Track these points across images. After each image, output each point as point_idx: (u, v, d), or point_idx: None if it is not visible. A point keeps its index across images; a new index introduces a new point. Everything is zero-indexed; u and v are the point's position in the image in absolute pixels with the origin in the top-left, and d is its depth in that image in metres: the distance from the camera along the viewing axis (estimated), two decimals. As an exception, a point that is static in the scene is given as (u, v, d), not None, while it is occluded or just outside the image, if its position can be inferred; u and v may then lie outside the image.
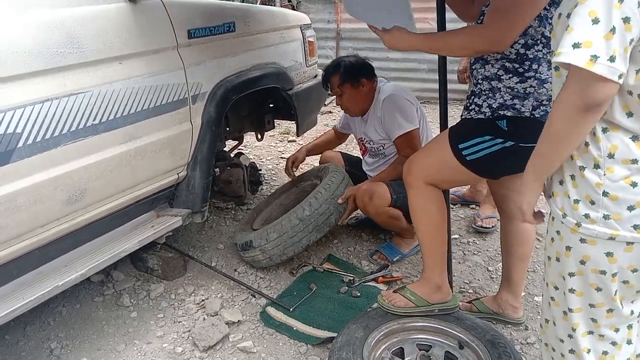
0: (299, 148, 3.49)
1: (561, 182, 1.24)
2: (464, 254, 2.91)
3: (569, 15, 1.08)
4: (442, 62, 2.35)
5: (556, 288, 1.31)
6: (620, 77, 1.02)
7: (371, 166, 3.06)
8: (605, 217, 1.14)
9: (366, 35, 6.87)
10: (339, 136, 3.37)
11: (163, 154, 2.24)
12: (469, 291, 2.56)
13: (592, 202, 1.16)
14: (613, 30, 0.99)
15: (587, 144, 1.16)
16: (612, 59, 1.00)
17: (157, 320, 2.34)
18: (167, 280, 2.60)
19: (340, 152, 3.34)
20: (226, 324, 2.24)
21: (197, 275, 2.68)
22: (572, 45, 1.02)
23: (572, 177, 1.20)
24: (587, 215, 1.17)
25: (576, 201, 1.18)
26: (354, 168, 3.14)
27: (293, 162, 3.23)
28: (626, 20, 0.98)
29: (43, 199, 1.78)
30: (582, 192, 1.18)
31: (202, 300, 2.46)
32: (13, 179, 1.67)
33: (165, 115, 2.20)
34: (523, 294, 2.31)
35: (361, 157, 3.21)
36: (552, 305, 1.33)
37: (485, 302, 2.28)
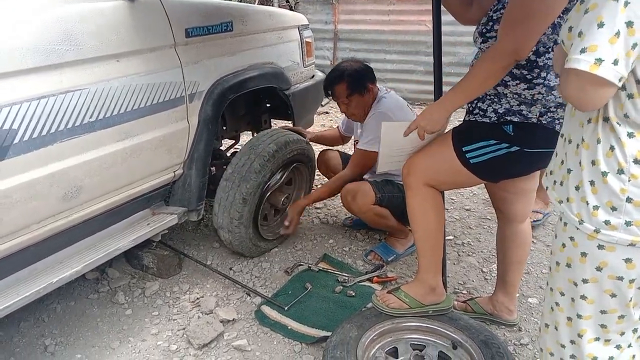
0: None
1: (577, 188, 1.20)
2: (459, 255, 2.92)
3: (570, 29, 1.10)
4: (437, 63, 2.35)
5: (562, 294, 1.30)
6: (620, 80, 1.03)
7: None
8: (627, 223, 1.13)
9: (363, 36, 6.90)
10: (342, 137, 3.39)
11: (159, 152, 2.24)
12: (463, 292, 2.57)
13: (614, 209, 1.13)
14: (617, 34, 1.00)
15: (612, 148, 1.13)
16: (615, 62, 1.01)
17: (151, 317, 2.34)
18: (162, 278, 2.60)
19: (339, 151, 3.35)
20: (221, 322, 2.24)
21: (192, 273, 2.68)
22: (580, 51, 1.03)
23: (592, 182, 1.17)
24: (607, 222, 1.15)
25: (595, 207, 1.16)
26: None
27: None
28: (629, 24, 0.99)
29: (39, 196, 1.78)
30: (602, 198, 1.15)
31: (197, 298, 2.46)
32: (9, 175, 1.67)
33: (162, 113, 2.20)
34: (517, 295, 2.32)
35: None
36: (556, 310, 1.32)
37: (480, 303, 2.29)
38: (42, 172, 1.77)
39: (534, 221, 3.14)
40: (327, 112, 6.18)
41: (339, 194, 2.87)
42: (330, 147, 3.40)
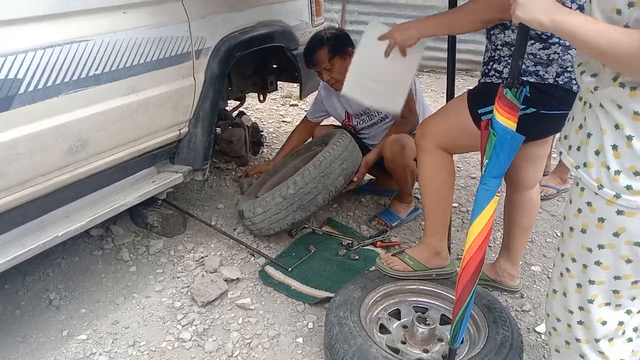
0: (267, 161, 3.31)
1: (597, 153, 1.17)
2: (463, 222, 2.92)
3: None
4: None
5: (574, 260, 1.28)
6: None
7: (370, 133, 3.02)
8: None
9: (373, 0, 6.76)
10: (311, 127, 3.25)
11: (165, 108, 2.21)
12: (467, 258, 2.57)
13: (637, 173, 1.10)
14: None
15: (637, 113, 1.09)
16: None
17: (156, 275, 2.35)
18: (166, 237, 2.60)
19: (333, 124, 3.27)
20: (225, 280, 2.25)
21: (196, 233, 2.68)
22: None
23: (615, 147, 1.13)
24: (629, 187, 1.12)
25: (617, 172, 1.13)
26: None
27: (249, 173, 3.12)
28: None
29: (44, 148, 1.76)
30: (625, 162, 1.12)
31: (202, 257, 2.47)
32: (14, 125, 1.65)
33: (169, 68, 2.16)
34: (520, 263, 2.32)
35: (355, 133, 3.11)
36: (566, 276, 1.31)
37: (483, 269, 2.28)
38: (48, 123, 1.75)
39: (545, 196, 3.12)
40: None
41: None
42: (324, 124, 3.30)
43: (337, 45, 2.75)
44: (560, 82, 1.73)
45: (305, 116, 3.27)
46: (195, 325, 2.05)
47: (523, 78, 1.76)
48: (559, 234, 2.79)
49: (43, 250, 1.88)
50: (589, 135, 1.19)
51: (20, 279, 2.29)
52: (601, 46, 1.04)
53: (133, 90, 2.02)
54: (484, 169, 1.43)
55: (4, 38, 1.60)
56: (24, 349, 1.95)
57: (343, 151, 2.50)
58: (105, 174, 2.13)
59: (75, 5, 1.79)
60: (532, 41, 1.72)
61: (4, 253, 1.78)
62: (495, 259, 2.34)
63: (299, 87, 3.25)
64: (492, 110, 1.77)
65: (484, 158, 1.44)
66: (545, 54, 1.72)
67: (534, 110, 1.75)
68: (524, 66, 1.76)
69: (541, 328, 2.09)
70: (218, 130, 2.94)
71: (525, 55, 1.75)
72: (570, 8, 1.64)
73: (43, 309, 2.15)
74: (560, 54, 1.71)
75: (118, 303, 2.18)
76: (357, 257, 2.50)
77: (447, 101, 2.37)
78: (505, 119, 1.37)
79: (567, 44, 1.70)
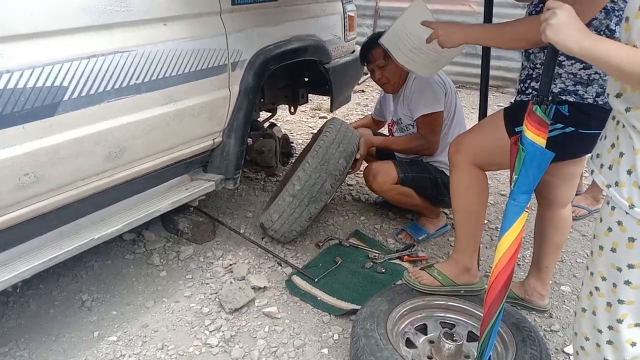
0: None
1: (629, 172, 1.17)
2: (492, 239, 2.89)
3: (627, 19, 1.05)
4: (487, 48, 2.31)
5: (604, 279, 1.27)
6: None
7: None
8: None
9: (404, 15, 6.78)
10: (376, 123, 3.35)
11: (201, 118, 2.26)
12: (495, 276, 2.54)
13: None
14: None
15: None
16: None
17: (185, 280, 2.40)
18: (196, 243, 2.65)
19: (373, 131, 3.30)
20: (252, 288, 2.28)
21: (225, 240, 2.72)
22: None
23: None
24: None
25: None
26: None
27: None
28: None
29: (84, 153, 1.83)
30: None
31: (230, 264, 2.51)
32: (57, 131, 1.72)
33: (205, 80, 2.22)
34: (550, 282, 2.29)
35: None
36: (596, 295, 1.30)
37: (512, 287, 2.27)
38: (89, 130, 1.81)
39: (577, 216, 3.07)
40: (363, 91, 6.11)
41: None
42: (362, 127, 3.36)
43: None
44: (600, 102, 1.72)
45: (371, 113, 3.37)
46: (223, 332, 2.08)
47: (562, 97, 1.75)
48: (589, 254, 2.75)
49: (78, 253, 1.94)
50: (621, 154, 1.19)
51: (54, 280, 2.36)
52: (635, 70, 1.06)
53: (171, 100, 2.08)
54: (513, 184, 1.44)
55: (51, 48, 1.67)
56: (57, 347, 2.01)
57: (336, 134, 2.55)
58: (140, 180, 2.19)
59: (118, 17, 1.86)
60: (573, 61, 1.72)
61: (41, 254, 1.84)
62: (524, 278, 2.32)
63: (329, 100, 3.28)
64: None
65: (513, 173, 1.44)
66: (586, 74, 1.72)
67: (573, 129, 1.74)
68: (563, 85, 1.75)
69: (570, 349, 2.06)
70: (250, 140, 2.98)
71: (566, 75, 1.75)
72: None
73: (75, 309, 2.21)
74: (602, 74, 1.71)
75: (148, 307, 2.23)
76: (383, 271, 2.51)
77: (479, 117, 2.38)
78: (534, 135, 1.38)
79: None
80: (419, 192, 2.79)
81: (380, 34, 2.84)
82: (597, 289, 1.30)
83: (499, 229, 2.96)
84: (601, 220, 1.28)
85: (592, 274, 1.32)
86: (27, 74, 1.59)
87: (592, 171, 1.32)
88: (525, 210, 1.44)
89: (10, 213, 1.72)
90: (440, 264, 2.08)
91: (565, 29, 1.16)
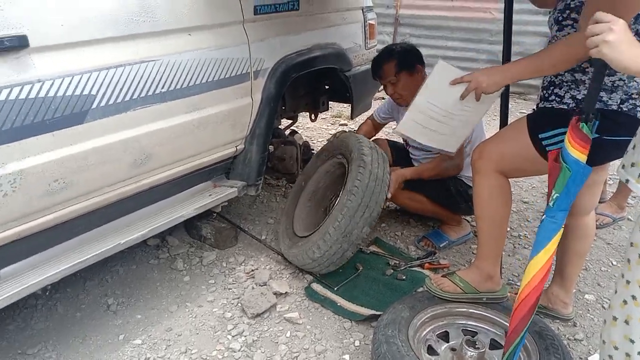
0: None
1: None
2: (514, 247, 2.86)
3: None
4: (507, 51, 2.31)
5: None
6: None
7: (418, 157, 3.00)
8: None
9: (425, 22, 6.79)
10: (376, 126, 3.25)
11: (224, 126, 2.30)
12: (517, 284, 2.52)
13: None
14: None
15: None
16: None
17: (208, 285, 2.43)
18: (218, 249, 2.69)
19: (387, 139, 3.28)
20: (274, 294, 2.30)
21: (247, 246, 2.75)
22: None
23: None
24: None
25: None
26: (400, 156, 3.06)
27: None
28: None
29: (112, 160, 1.88)
30: None
31: (252, 270, 2.53)
32: (86, 138, 1.77)
33: (228, 88, 2.26)
34: (574, 290, 2.26)
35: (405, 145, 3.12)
36: (631, 304, 1.28)
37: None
38: (116, 137, 1.86)
39: (601, 224, 3.03)
40: (383, 98, 6.12)
41: None
42: (379, 137, 3.31)
43: (406, 59, 2.72)
44: (624, 109, 1.71)
45: (372, 115, 3.23)
46: (245, 336, 2.10)
47: None
48: (614, 263, 2.71)
49: (104, 257, 1.98)
50: None
51: (81, 284, 2.42)
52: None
53: (195, 108, 2.12)
54: (552, 202, 1.41)
55: (80, 58, 1.73)
56: (84, 349, 2.05)
57: (364, 194, 2.27)
58: (165, 187, 2.23)
59: (144, 27, 1.91)
60: None
61: (68, 258, 1.90)
62: (547, 286, 2.29)
63: (350, 108, 3.30)
64: (553, 135, 1.75)
65: (553, 191, 1.41)
66: (610, 81, 1.71)
67: (597, 136, 1.72)
68: (586, 92, 1.74)
69: (594, 358, 2.03)
70: (271, 147, 3.02)
71: (589, 82, 1.74)
72: None
73: (101, 313, 2.26)
74: (626, 81, 1.70)
75: (172, 311, 2.26)
76: (404, 278, 2.50)
77: (500, 125, 2.37)
78: (578, 153, 1.36)
79: None
80: (431, 198, 2.78)
81: (391, 47, 2.81)
82: (633, 297, 1.27)
83: (521, 237, 2.95)
84: None
85: (628, 282, 1.29)
86: (57, 83, 1.65)
87: (627, 180, 1.29)
88: (562, 227, 1.42)
89: (40, 218, 1.77)
90: (462, 271, 2.07)
91: (624, 46, 1.12)
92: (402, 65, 2.71)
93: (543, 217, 1.46)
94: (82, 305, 2.30)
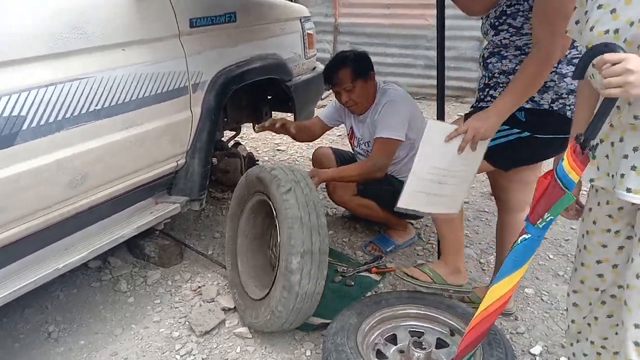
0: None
1: None
2: (481, 252, 2.93)
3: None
4: (441, 56, 2.39)
5: None
6: None
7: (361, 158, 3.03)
8: None
9: (364, 29, 6.92)
10: (322, 127, 3.08)
11: (163, 141, 2.26)
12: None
13: None
14: None
15: None
16: None
17: (154, 305, 2.37)
18: (163, 267, 2.63)
19: (331, 147, 3.26)
20: (222, 310, 2.28)
21: (193, 262, 2.71)
22: None
23: None
24: None
25: None
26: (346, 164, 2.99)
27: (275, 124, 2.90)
28: None
29: (46, 182, 1.81)
30: None
31: (199, 287, 2.49)
32: (17, 161, 1.69)
33: (166, 103, 2.22)
34: (514, 285, 2.36)
35: (352, 152, 3.11)
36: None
37: (478, 292, 2.33)
38: (49, 158, 1.79)
39: None
40: (325, 106, 6.19)
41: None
42: (322, 145, 3.33)
43: (361, 67, 2.69)
44: (555, 108, 1.81)
45: (319, 115, 3.09)
46: (194, 355, 2.06)
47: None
48: (551, 256, 2.84)
49: (43, 283, 1.90)
50: None
51: (19, 312, 2.31)
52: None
53: (132, 124, 2.07)
54: (543, 223, 1.37)
55: (8, 78, 1.66)
56: (23, 382, 1.96)
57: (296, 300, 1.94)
58: (104, 206, 2.16)
59: (75, 44, 1.85)
60: None
61: (4, 286, 1.81)
62: (489, 283, 2.38)
63: (293, 117, 3.32)
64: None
65: (548, 213, 1.36)
66: None
67: (529, 134, 1.82)
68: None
69: (536, 350, 2.12)
70: (214, 160, 2.99)
71: None
72: None
73: (42, 341, 2.16)
74: (557, 82, 1.80)
75: (116, 334, 2.20)
76: (352, 284, 2.53)
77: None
78: (577, 177, 1.31)
79: (563, 72, 1.79)
80: (381, 204, 2.82)
81: (344, 54, 2.76)
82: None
83: (481, 242, 3.02)
84: None
85: (627, 286, 1.31)
86: (-17, 105, 1.57)
87: (629, 189, 1.26)
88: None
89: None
90: (431, 264, 2.21)
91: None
92: (357, 72, 2.68)
93: (525, 235, 1.40)
94: (20, 335, 2.20)
